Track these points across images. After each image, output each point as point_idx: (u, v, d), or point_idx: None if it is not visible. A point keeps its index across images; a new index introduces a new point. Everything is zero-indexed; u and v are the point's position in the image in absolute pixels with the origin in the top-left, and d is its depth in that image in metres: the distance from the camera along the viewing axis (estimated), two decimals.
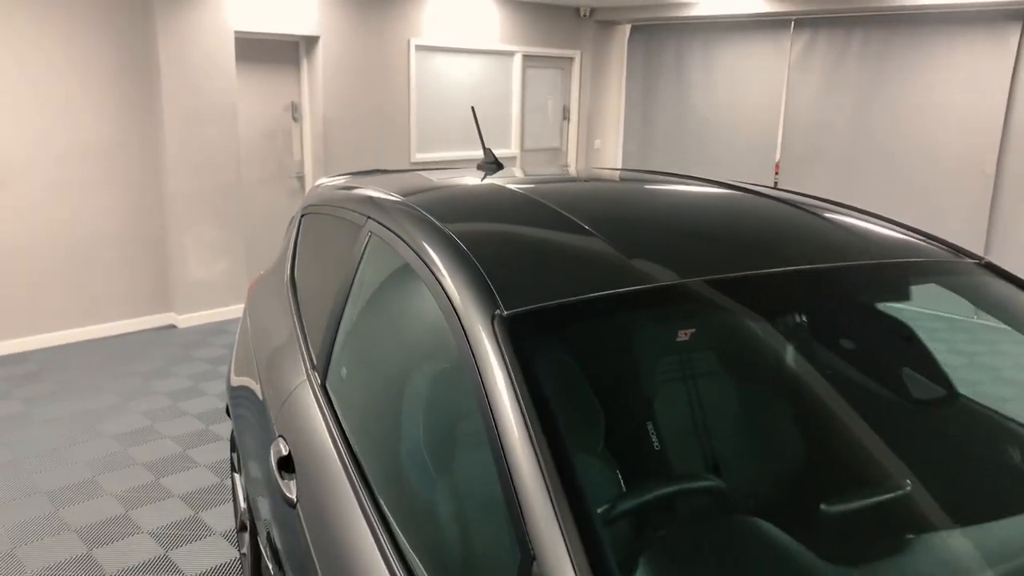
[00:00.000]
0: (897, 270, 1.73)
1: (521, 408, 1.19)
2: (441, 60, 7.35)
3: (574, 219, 1.72)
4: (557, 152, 8.64)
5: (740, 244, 1.68)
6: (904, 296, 1.76)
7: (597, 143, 8.91)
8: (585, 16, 8.38)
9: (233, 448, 3.03)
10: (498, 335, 1.31)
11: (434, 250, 1.58)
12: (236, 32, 5.95)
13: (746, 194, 2.04)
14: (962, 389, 1.84)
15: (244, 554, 2.90)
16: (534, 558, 1.02)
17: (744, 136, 7.79)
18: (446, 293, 1.46)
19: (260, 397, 2.31)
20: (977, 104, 6.36)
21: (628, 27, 8.59)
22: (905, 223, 1.99)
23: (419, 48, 7.13)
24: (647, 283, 1.46)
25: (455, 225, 1.67)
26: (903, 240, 1.86)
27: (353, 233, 2.11)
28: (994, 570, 1.32)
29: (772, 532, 1.35)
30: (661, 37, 8.33)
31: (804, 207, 1.96)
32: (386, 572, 1.38)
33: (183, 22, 5.56)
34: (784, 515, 1.41)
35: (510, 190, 1.99)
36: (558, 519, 1.03)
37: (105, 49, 5.37)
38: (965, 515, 1.46)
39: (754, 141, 7.73)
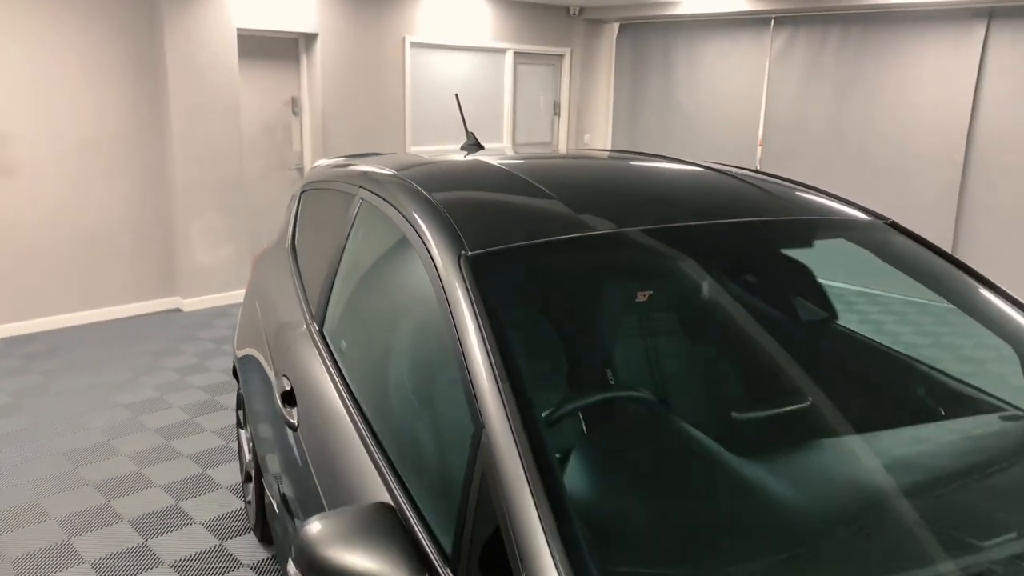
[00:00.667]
0: (811, 226, 2.04)
1: (479, 324, 1.48)
2: (435, 57, 7.65)
3: (535, 184, 2.02)
4: (548, 146, 8.94)
5: (672, 203, 1.98)
6: (812, 246, 2.08)
7: (587, 137, 9.21)
8: (575, 15, 8.68)
9: (239, 406, 3.33)
10: (463, 270, 1.61)
11: (415, 209, 1.88)
12: (239, 30, 6.24)
13: (689, 165, 2.34)
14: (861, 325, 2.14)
15: (249, 502, 3.20)
16: (483, 426, 1.31)
17: (726, 130, 8.09)
18: (423, 241, 1.76)
19: (265, 352, 2.61)
20: (946, 98, 6.66)
21: (616, 25, 8.89)
22: (833, 192, 2.28)
23: (414, 45, 7.42)
24: (586, 231, 1.76)
25: (433, 190, 1.96)
26: (821, 203, 2.16)
27: (347, 202, 2.40)
28: (863, 463, 1.63)
29: (692, 432, 1.65)
30: (648, 35, 8.63)
31: (739, 176, 2.26)
32: (373, 472, 1.68)
33: (188, 20, 5.85)
34: (703, 420, 1.72)
35: (485, 163, 2.29)
36: (501, 396, 1.32)
37: (115, 47, 5.66)
38: (849, 424, 1.77)
39: (736, 135, 8.03)
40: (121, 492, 3.52)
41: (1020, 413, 1.89)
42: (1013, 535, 1.38)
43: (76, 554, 3.06)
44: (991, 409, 1.93)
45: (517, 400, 1.30)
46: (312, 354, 2.19)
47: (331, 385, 2.01)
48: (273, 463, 2.34)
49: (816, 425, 1.79)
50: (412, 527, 1.43)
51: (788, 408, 1.79)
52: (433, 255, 1.70)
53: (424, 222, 1.80)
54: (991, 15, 6.39)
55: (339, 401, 1.94)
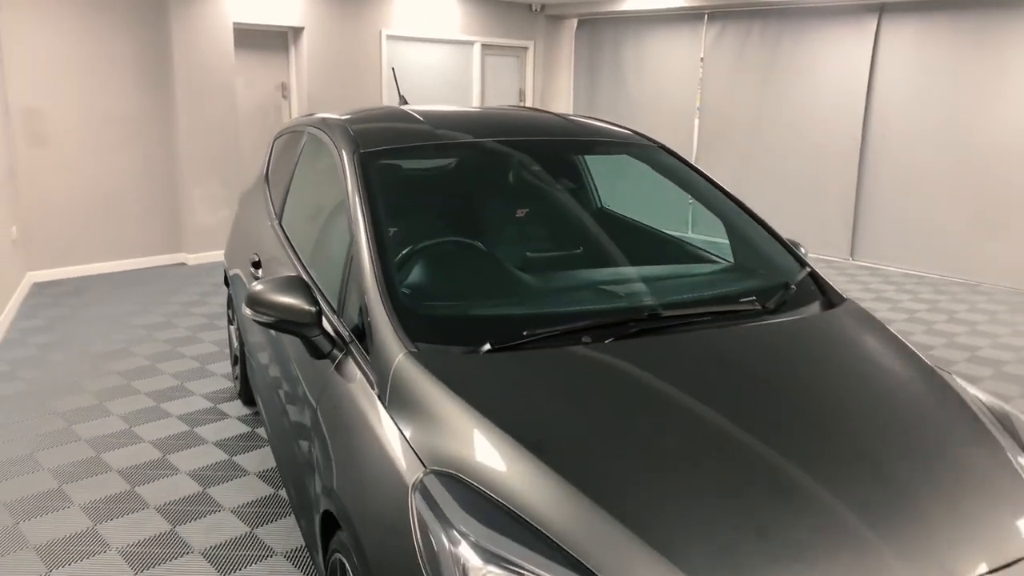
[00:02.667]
0: (605, 144, 3.08)
1: (359, 188, 2.50)
2: (409, 48, 8.69)
3: (418, 118, 3.05)
4: None
5: (508, 128, 3.02)
6: (614, 154, 3.13)
7: None
8: (536, 11, 9.71)
9: (229, 306, 4.37)
10: (356, 161, 2.63)
11: (336, 132, 2.90)
12: (235, 23, 7.28)
13: (542, 114, 3.37)
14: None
15: (236, 377, 4.24)
16: (352, 239, 2.34)
17: (669, 111, 9.12)
18: (337, 148, 2.79)
19: (245, 262, 3.64)
20: (846, 82, 7.67)
21: (575, 21, 9.92)
22: (631, 128, 3.31)
23: (390, 38, 8.46)
24: (435, 140, 2.80)
25: (351, 123, 2.99)
26: (617, 131, 3.19)
27: (299, 138, 3.44)
28: (611, 283, 2.66)
29: (498, 259, 2.69)
30: (602, 29, 9.66)
31: (566, 117, 3.29)
32: (300, 271, 2.70)
33: (192, 16, 6.90)
34: (507, 256, 2.75)
35: (395, 108, 3.32)
36: (364, 221, 2.34)
37: (129, 38, 6.71)
38: (605, 261, 2.82)
39: (676, 115, 9.05)
40: (140, 376, 4.56)
41: (715, 260, 2.93)
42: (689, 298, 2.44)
43: (106, 410, 4.11)
44: (703, 260, 2.98)
45: (374, 225, 2.32)
46: (272, 235, 3.24)
47: (281, 250, 3.06)
48: (249, 335, 3.38)
49: (581, 262, 2.83)
50: (315, 290, 2.46)
51: (564, 252, 2.84)
52: (342, 155, 2.73)
53: (339, 137, 2.83)
54: (882, 10, 7.40)
55: (284, 254, 2.99)
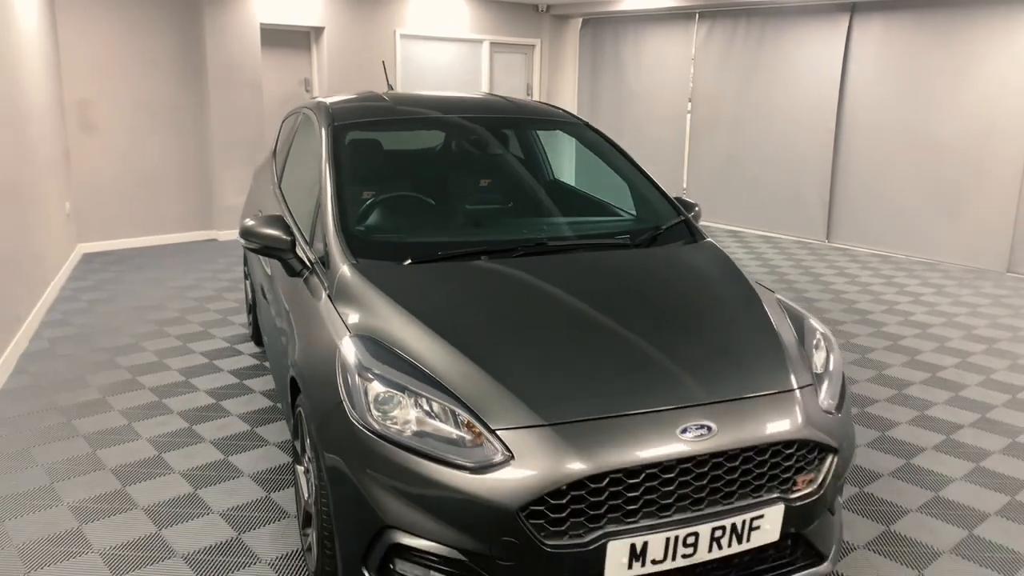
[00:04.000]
0: (541, 121, 3.82)
1: (329, 157, 3.25)
2: (421, 47, 9.46)
3: (388, 102, 3.80)
4: None
5: (455, 107, 3.76)
6: (545, 130, 3.86)
7: None
8: (543, 11, 10.41)
9: (245, 263, 5.17)
10: (329, 131, 3.39)
11: (320, 111, 3.66)
12: (262, 24, 8.11)
13: (484, 96, 4.09)
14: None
15: (250, 323, 5.04)
16: (320, 188, 3.09)
17: (663, 103, 9.77)
18: (319, 122, 3.54)
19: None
20: (820, 76, 8.26)
21: (580, 20, 10.60)
22: (564, 109, 4.02)
23: (403, 36, 9.24)
24: (397, 116, 3.55)
25: (334, 104, 3.74)
26: (551, 111, 3.91)
27: (297, 118, 4.21)
28: (529, 220, 3.38)
29: (441, 211, 3.43)
30: (604, 28, 10.33)
31: (511, 99, 4.02)
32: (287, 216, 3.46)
33: (223, 17, 7.74)
34: (448, 209, 3.49)
35: (377, 94, 4.07)
36: (331, 175, 3.10)
37: (167, 35, 7.58)
38: (528, 212, 3.54)
39: (670, 107, 9.70)
40: (172, 324, 5.39)
41: (623, 217, 3.63)
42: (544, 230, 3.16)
43: (142, 348, 4.94)
44: (614, 214, 3.68)
45: (336, 179, 3.08)
46: (272, 196, 4.02)
47: (278, 206, 3.83)
48: (255, 277, 4.15)
49: (509, 212, 3.55)
50: (293, 228, 3.21)
51: (498, 206, 3.57)
52: (321, 127, 3.48)
53: (320, 114, 3.59)
54: (853, 9, 7.98)
55: (279, 209, 3.76)
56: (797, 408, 2.36)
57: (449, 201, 3.50)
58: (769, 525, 2.26)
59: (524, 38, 10.37)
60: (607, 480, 2.08)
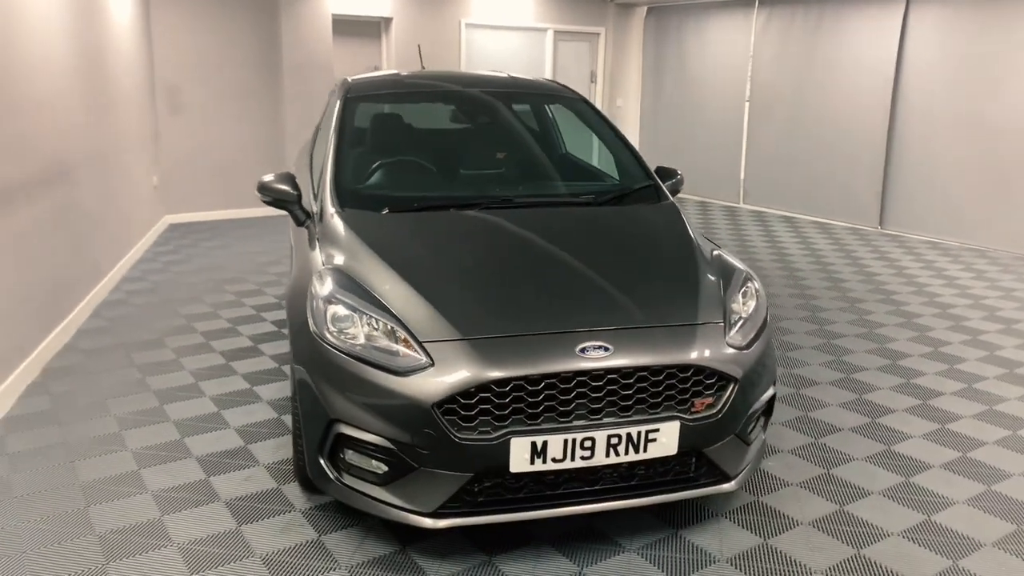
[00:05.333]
0: (542, 95, 4.20)
1: (337, 124, 3.72)
2: (485, 35, 9.91)
3: (404, 78, 4.25)
4: None
5: (463, 82, 4.17)
6: (549, 104, 4.24)
7: (619, 102, 11.19)
8: (608, 0, 10.68)
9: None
10: (343, 103, 3.87)
11: (342, 86, 4.14)
12: (334, 15, 8.73)
13: (491, 73, 4.48)
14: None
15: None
16: (324, 163, 3.57)
17: (723, 92, 9.89)
18: (339, 95, 4.02)
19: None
20: (876, 63, 8.24)
21: (645, 8, 10.82)
22: (565, 86, 4.37)
23: (468, 26, 9.71)
24: (402, 89, 3.99)
25: (357, 81, 4.21)
26: (553, 86, 4.28)
27: (332, 94, 4.72)
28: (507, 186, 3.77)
29: (425, 168, 3.86)
30: (668, 16, 10.52)
31: (515, 77, 4.39)
32: (307, 182, 3.94)
33: (298, 9, 8.40)
34: (446, 173, 3.91)
35: (396, 72, 4.52)
36: (338, 138, 3.57)
37: (247, 28, 8.29)
38: (516, 177, 3.92)
39: (730, 94, 9.81)
40: (234, 283, 6.03)
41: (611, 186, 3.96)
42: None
43: (200, 300, 5.58)
44: (600, 179, 4.02)
45: (339, 142, 3.55)
46: (305, 162, 4.54)
47: (306, 170, 4.34)
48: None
49: (498, 177, 3.94)
50: (306, 185, 3.69)
51: (489, 170, 3.96)
52: (337, 98, 3.96)
53: (340, 88, 4.07)
54: None
55: (306, 172, 4.27)
56: (694, 339, 2.66)
57: (443, 165, 3.91)
58: (665, 439, 2.58)
59: (589, 26, 10.66)
60: (510, 386, 2.46)
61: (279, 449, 3.45)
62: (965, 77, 7.64)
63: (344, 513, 2.94)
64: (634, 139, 11.25)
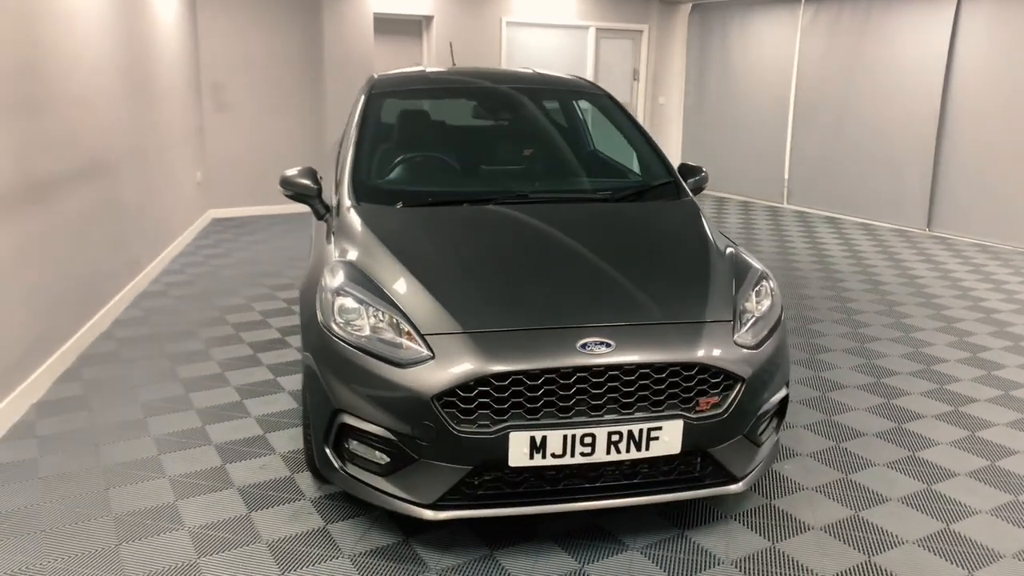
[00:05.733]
0: (566, 91, 4.20)
1: (359, 120, 3.77)
2: (527, 33, 9.90)
3: (429, 73, 4.27)
4: (626, 106, 10.89)
5: (487, 78, 4.18)
6: (574, 100, 4.23)
7: (661, 99, 11.08)
8: None
9: None
10: (366, 99, 3.91)
11: (368, 82, 4.19)
12: (375, 13, 8.82)
13: (517, 70, 4.48)
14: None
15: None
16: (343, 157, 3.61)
17: (767, 90, 9.72)
18: (365, 90, 4.07)
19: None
20: (925, 60, 8.01)
21: (689, 5, 10.69)
22: (591, 81, 4.35)
23: (509, 24, 9.72)
24: (426, 85, 4.02)
25: (382, 77, 4.25)
26: (578, 82, 4.26)
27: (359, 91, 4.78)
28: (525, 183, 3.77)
29: (446, 163, 3.87)
30: (712, 13, 10.38)
31: (541, 72, 4.38)
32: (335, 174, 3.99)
33: (340, 7, 8.51)
34: (466, 168, 3.92)
35: (422, 69, 4.56)
36: (359, 128, 3.62)
37: (290, 27, 8.43)
38: (536, 173, 3.92)
39: (774, 94, 9.64)
40: (270, 277, 6.14)
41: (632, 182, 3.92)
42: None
43: (235, 292, 5.70)
44: (623, 175, 3.99)
45: (359, 137, 3.59)
46: (335, 154, 4.60)
47: (333, 162, 4.40)
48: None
49: (518, 173, 3.93)
50: (329, 180, 3.74)
51: (510, 166, 3.96)
52: (366, 93, 4.00)
53: (369, 84, 4.11)
54: None
55: (333, 165, 4.32)
56: (700, 337, 2.63)
57: (463, 160, 3.93)
58: (668, 438, 2.54)
59: (632, 24, 10.58)
60: (509, 380, 2.46)
61: (296, 439, 3.50)
62: (1019, 75, 7.38)
63: (352, 503, 2.98)
64: (676, 137, 11.13)
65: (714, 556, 2.72)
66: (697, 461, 2.68)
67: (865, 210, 8.84)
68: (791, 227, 8.51)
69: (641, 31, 10.74)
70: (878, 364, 4.53)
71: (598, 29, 10.36)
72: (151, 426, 3.62)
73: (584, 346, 2.52)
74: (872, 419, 3.81)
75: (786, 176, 9.71)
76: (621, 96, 10.79)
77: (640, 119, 10.96)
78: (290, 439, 3.50)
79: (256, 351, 4.59)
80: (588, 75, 10.43)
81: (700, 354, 2.58)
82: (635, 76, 10.91)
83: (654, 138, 4.06)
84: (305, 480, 3.16)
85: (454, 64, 5.37)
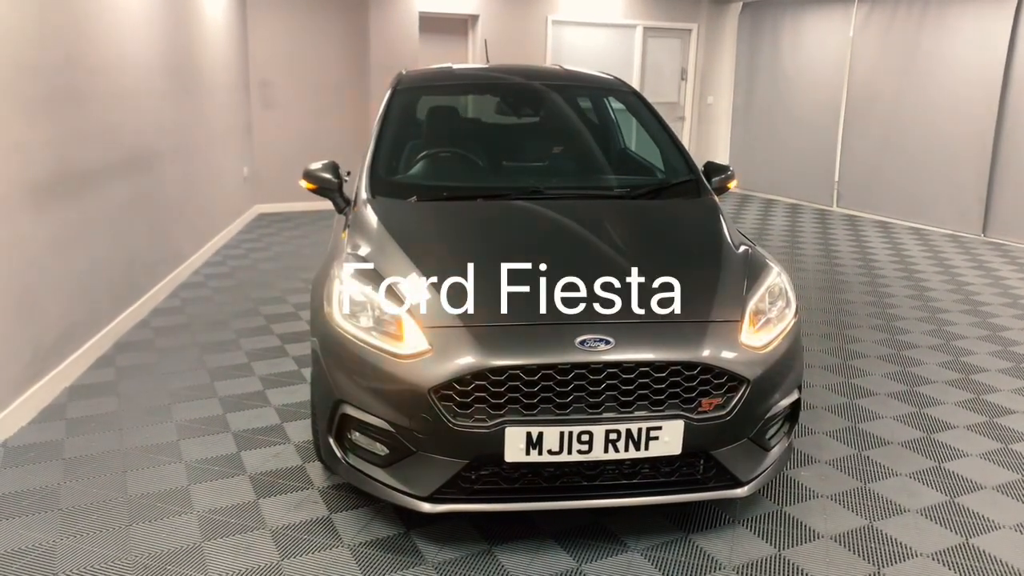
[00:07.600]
0: (593, 88, 4.18)
1: (383, 115, 3.80)
2: (573, 32, 9.86)
3: (455, 70, 4.29)
4: (674, 106, 10.77)
5: (513, 74, 4.18)
6: (603, 97, 4.20)
7: (710, 99, 10.92)
8: None
9: None
10: (391, 94, 3.94)
11: (396, 78, 4.22)
12: (420, 12, 8.89)
13: (545, 66, 4.48)
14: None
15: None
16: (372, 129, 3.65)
17: (818, 91, 9.50)
18: (392, 85, 4.10)
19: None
20: (983, 61, 7.72)
21: (740, 4, 10.51)
22: (618, 76, 4.30)
23: (555, 23, 9.69)
24: (450, 81, 4.04)
25: (410, 73, 4.29)
26: (606, 79, 4.23)
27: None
28: (544, 179, 3.76)
29: (481, 168, 3.88)
30: (763, 12, 10.19)
31: (568, 68, 4.36)
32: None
33: (386, 6, 8.61)
34: (489, 167, 3.92)
35: (448, 66, 4.57)
36: (383, 121, 3.65)
37: (337, 26, 8.55)
38: (555, 170, 3.90)
39: (826, 94, 9.41)
40: (307, 272, 6.24)
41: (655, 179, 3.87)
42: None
43: (271, 285, 5.80)
44: (648, 172, 3.95)
45: (380, 132, 3.62)
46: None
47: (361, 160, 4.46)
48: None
49: (538, 170, 3.92)
50: (352, 175, 3.78)
51: (531, 163, 3.95)
52: (392, 89, 4.04)
53: (396, 79, 4.15)
54: None
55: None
56: (702, 337, 2.58)
57: (484, 156, 3.92)
58: (668, 438, 2.50)
59: (680, 23, 10.45)
60: (506, 375, 2.45)
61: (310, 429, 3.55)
62: None
63: (357, 493, 3.00)
64: (724, 137, 10.94)
65: (716, 561, 2.66)
66: (700, 463, 2.63)
67: (918, 214, 8.57)
68: (839, 230, 8.29)
69: (690, 30, 10.60)
70: (913, 372, 4.38)
71: (646, 28, 10.26)
72: (174, 412, 3.72)
73: (583, 343, 2.49)
74: (900, 428, 3.69)
75: (836, 179, 9.48)
76: (669, 96, 10.68)
77: (688, 119, 10.83)
78: (305, 429, 3.55)
79: (284, 342, 4.67)
80: (635, 74, 10.34)
81: (703, 354, 2.54)
82: (683, 76, 10.77)
83: (698, 138, 4.04)
84: (315, 469, 3.20)
85: (488, 62, 5.38)
